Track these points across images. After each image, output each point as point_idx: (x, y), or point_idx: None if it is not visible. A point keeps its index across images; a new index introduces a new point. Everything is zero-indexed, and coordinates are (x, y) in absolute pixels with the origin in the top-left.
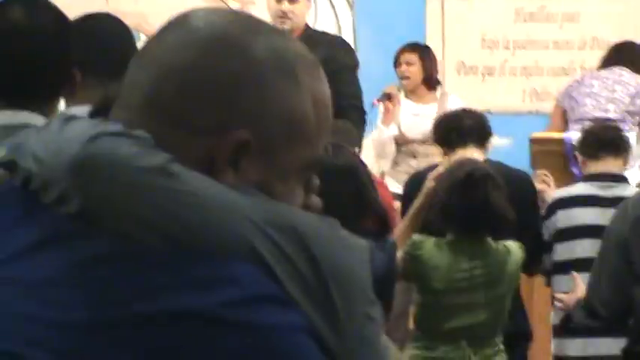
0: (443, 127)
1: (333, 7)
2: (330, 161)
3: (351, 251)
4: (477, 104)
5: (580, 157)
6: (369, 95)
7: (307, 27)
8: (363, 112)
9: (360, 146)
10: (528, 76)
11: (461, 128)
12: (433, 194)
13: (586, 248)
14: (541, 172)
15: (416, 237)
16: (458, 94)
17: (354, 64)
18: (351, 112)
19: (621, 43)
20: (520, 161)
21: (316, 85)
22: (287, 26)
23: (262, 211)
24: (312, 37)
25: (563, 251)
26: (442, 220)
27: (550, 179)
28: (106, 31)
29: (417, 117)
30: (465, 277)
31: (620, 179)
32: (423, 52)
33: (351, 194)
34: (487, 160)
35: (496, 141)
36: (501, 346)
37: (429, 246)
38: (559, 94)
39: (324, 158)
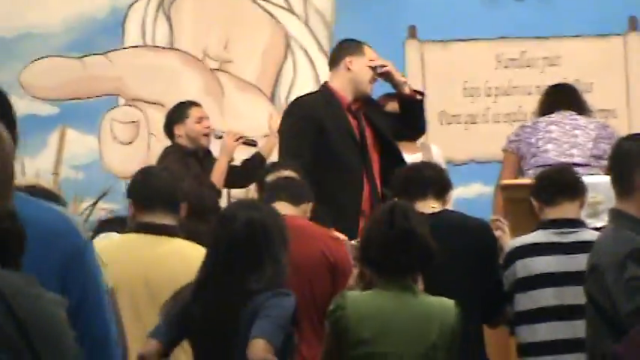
0: (402, 179)
1: (310, 61)
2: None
3: (48, 302)
4: (460, 153)
5: (535, 203)
6: None
7: None
8: None
9: None
10: (512, 122)
11: (420, 180)
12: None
13: (548, 297)
14: (494, 217)
15: (345, 292)
16: (440, 143)
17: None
18: None
19: (559, 86)
20: None
21: None
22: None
23: None
24: None
25: (525, 301)
26: (364, 261)
27: (504, 224)
28: None
29: None
30: (391, 327)
31: (578, 224)
32: None
33: None
34: (445, 210)
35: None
36: None
37: (353, 298)
38: (510, 142)
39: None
